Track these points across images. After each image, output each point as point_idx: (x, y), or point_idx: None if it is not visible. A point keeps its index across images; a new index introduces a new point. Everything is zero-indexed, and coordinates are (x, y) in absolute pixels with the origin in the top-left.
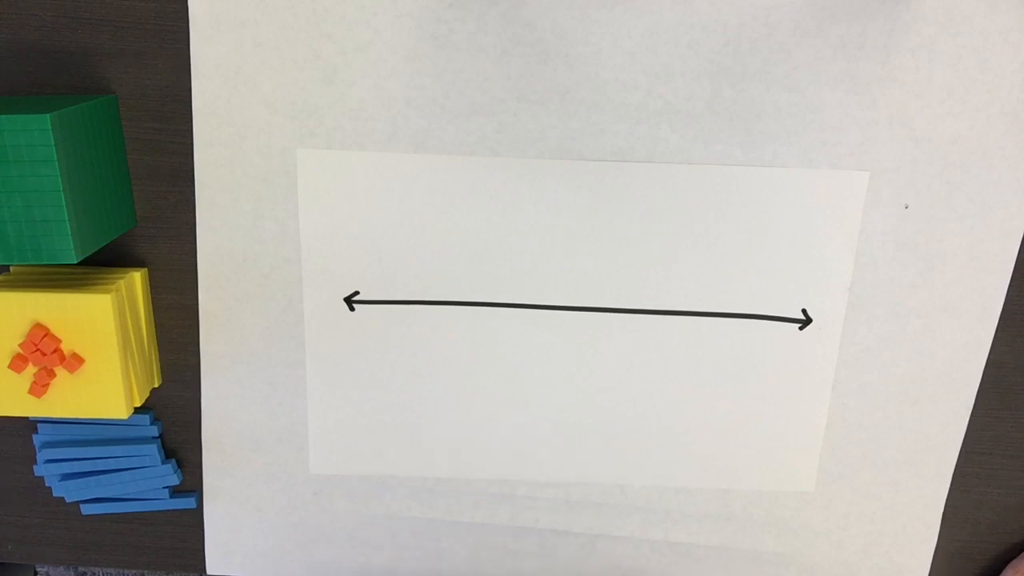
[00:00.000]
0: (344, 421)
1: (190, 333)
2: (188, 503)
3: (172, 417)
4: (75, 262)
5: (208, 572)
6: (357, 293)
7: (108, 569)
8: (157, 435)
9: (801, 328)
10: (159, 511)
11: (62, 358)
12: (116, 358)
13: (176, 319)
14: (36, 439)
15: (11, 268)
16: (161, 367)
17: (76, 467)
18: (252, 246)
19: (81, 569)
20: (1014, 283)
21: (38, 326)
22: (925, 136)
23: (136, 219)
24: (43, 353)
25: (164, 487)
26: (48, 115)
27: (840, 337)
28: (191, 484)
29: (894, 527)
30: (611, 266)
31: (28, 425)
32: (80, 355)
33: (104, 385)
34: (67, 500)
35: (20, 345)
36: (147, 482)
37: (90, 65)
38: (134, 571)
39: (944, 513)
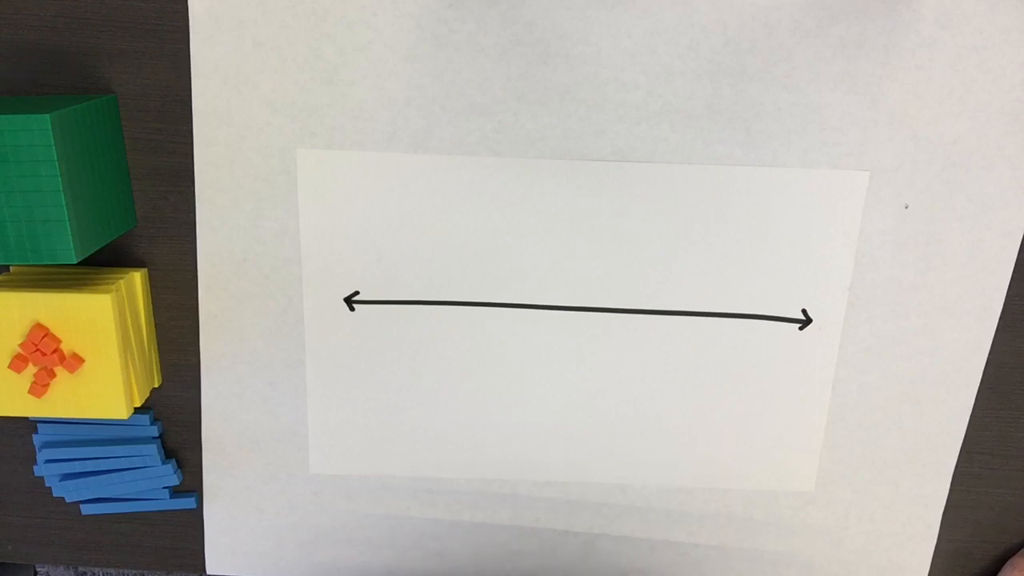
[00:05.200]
0: (344, 421)
1: (190, 333)
2: (188, 503)
3: (172, 417)
4: (75, 262)
5: (208, 572)
6: (357, 293)
7: (108, 569)
8: (157, 435)
9: (801, 328)
10: (159, 511)
11: (62, 358)
12: (116, 358)
13: (176, 319)
14: (36, 439)
15: (11, 268)
16: (161, 367)
17: (76, 467)
18: (252, 246)
19: (81, 569)
20: (1014, 283)
21: (38, 326)
22: (925, 136)
23: (136, 219)
24: (43, 353)
25: (164, 487)
26: (48, 115)
27: (840, 337)
28: (191, 484)
29: (894, 527)
30: (611, 266)
31: (28, 425)
32: (80, 355)
33: (104, 385)
34: (67, 500)
35: (20, 345)
36: (147, 482)
37: (90, 65)
38: (134, 571)
39: (944, 513)
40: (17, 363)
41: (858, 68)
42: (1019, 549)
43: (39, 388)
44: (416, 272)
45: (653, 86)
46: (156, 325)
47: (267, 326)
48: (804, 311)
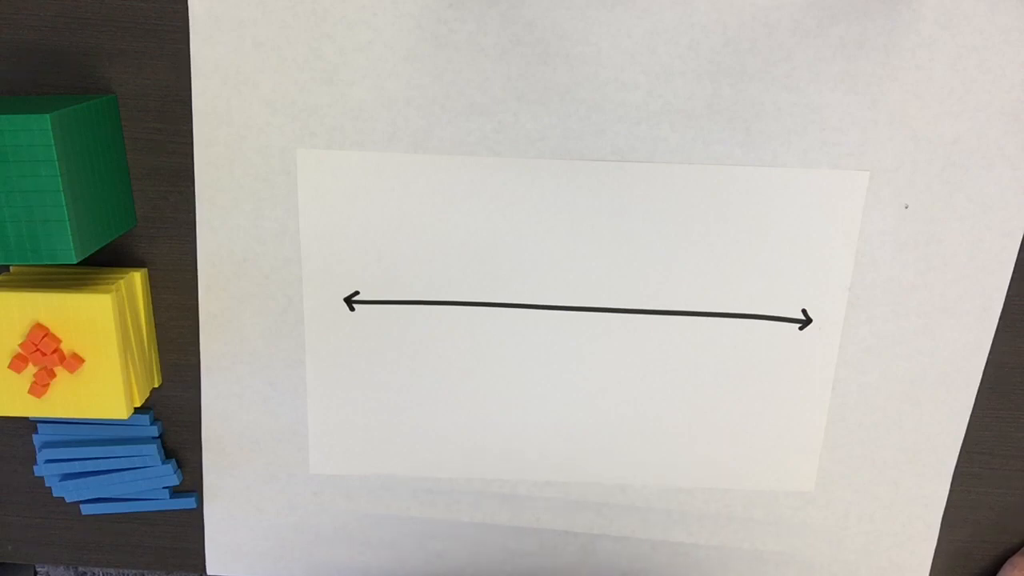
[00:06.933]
0: (344, 421)
1: (190, 333)
2: (188, 503)
3: (172, 417)
4: (75, 262)
5: (208, 572)
6: (357, 293)
7: (108, 569)
8: (157, 435)
9: (801, 328)
10: (159, 511)
11: (62, 358)
12: (116, 358)
13: (176, 319)
14: (36, 439)
15: (11, 268)
16: (161, 367)
17: (76, 467)
18: (252, 246)
19: (81, 569)
20: (1014, 283)
21: (38, 326)
22: (925, 136)
23: (136, 219)
24: (43, 353)
25: (164, 487)
26: (48, 115)
27: (840, 337)
28: (191, 484)
29: (894, 527)
30: (611, 266)
31: (28, 425)
32: (80, 355)
33: (104, 385)
34: (67, 500)
35: (20, 345)
36: (147, 482)
37: (90, 65)
38: (134, 571)
39: (944, 513)
40: (17, 363)
41: (858, 68)
42: (1019, 549)
43: (39, 388)
44: (416, 272)
45: (653, 86)
46: (156, 325)
47: (267, 326)
48: (804, 311)
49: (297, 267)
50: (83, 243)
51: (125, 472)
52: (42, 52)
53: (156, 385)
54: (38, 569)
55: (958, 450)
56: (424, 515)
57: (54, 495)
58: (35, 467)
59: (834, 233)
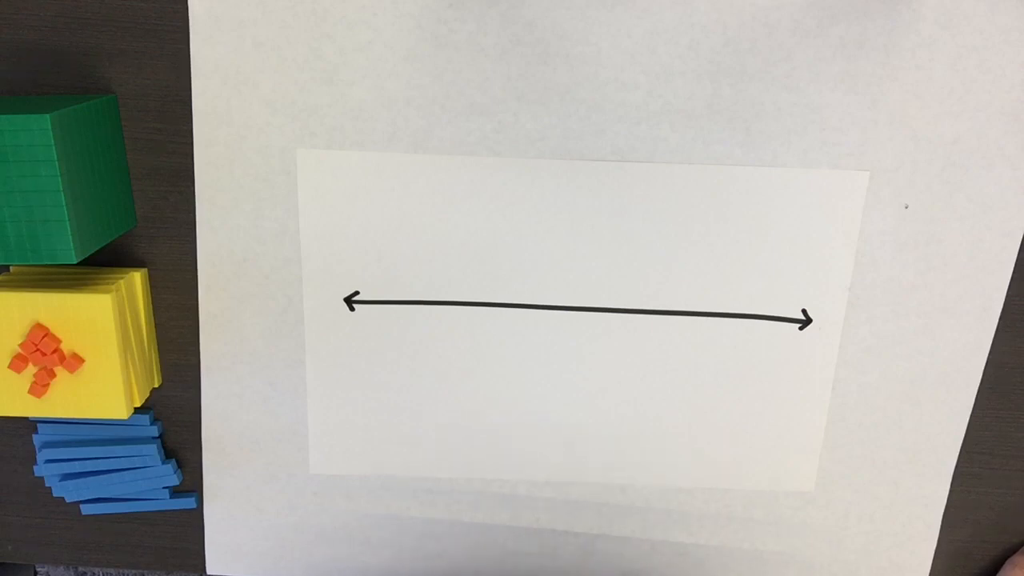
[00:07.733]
0: (344, 421)
1: (190, 333)
2: (188, 503)
3: (172, 417)
4: (75, 262)
5: (208, 572)
6: (357, 293)
7: (108, 569)
8: (157, 435)
9: (801, 328)
10: (159, 511)
11: (62, 358)
12: (116, 358)
13: (176, 319)
14: (36, 439)
15: (11, 268)
16: (161, 367)
17: (76, 467)
18: (252, 246)
19: (81, 569)
20: (1014, 283)
21: (38, 326)
22: (925, 136)
23: (136, 219)
24: (43, 353)
25: (164, 487)
26: (48, 115)
27: (840, 337)
28: (191, 484)
29: (894, 527)
30: (611, 266)
31: (28, 425)
32: (80, 355)
33: (104, 385)
34: (67, 500)
35: (20, 345)
36: (147, 482)
37: (90, 65)
38: (134, 571)
39: (944, 513)
40: (17, 363)
41: (858, 68)
42: (1019, 549)
43: (39, 388)
44: (416, 272)
45: (653, 86)
46: (156, 325)
47: (267, 326)
48: (804, 311)
49: (297, 267)
50: (83, 243)
51: (125, 472)
52: (42, 52)
53: (156, 385)
54: (38, 569)
55: (958, 450)
56: (424, 515)
57: (54, 495)
58: (35, 467)
59: (834, 233)
